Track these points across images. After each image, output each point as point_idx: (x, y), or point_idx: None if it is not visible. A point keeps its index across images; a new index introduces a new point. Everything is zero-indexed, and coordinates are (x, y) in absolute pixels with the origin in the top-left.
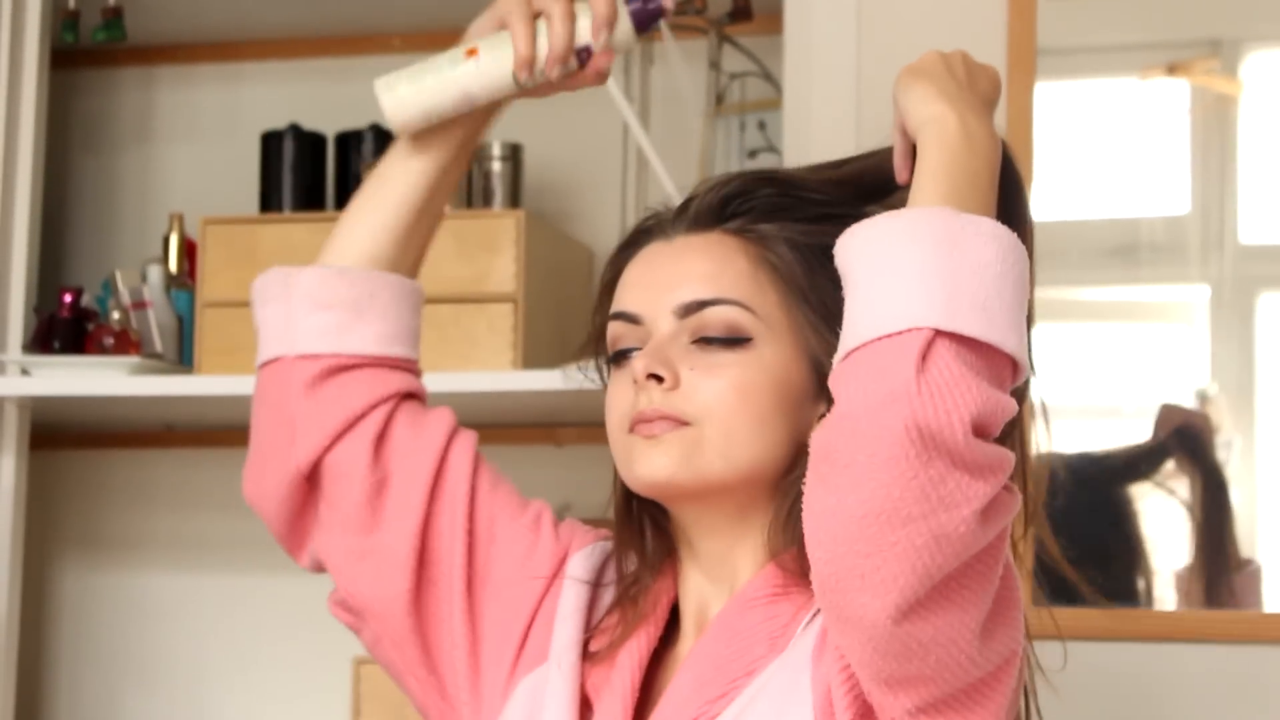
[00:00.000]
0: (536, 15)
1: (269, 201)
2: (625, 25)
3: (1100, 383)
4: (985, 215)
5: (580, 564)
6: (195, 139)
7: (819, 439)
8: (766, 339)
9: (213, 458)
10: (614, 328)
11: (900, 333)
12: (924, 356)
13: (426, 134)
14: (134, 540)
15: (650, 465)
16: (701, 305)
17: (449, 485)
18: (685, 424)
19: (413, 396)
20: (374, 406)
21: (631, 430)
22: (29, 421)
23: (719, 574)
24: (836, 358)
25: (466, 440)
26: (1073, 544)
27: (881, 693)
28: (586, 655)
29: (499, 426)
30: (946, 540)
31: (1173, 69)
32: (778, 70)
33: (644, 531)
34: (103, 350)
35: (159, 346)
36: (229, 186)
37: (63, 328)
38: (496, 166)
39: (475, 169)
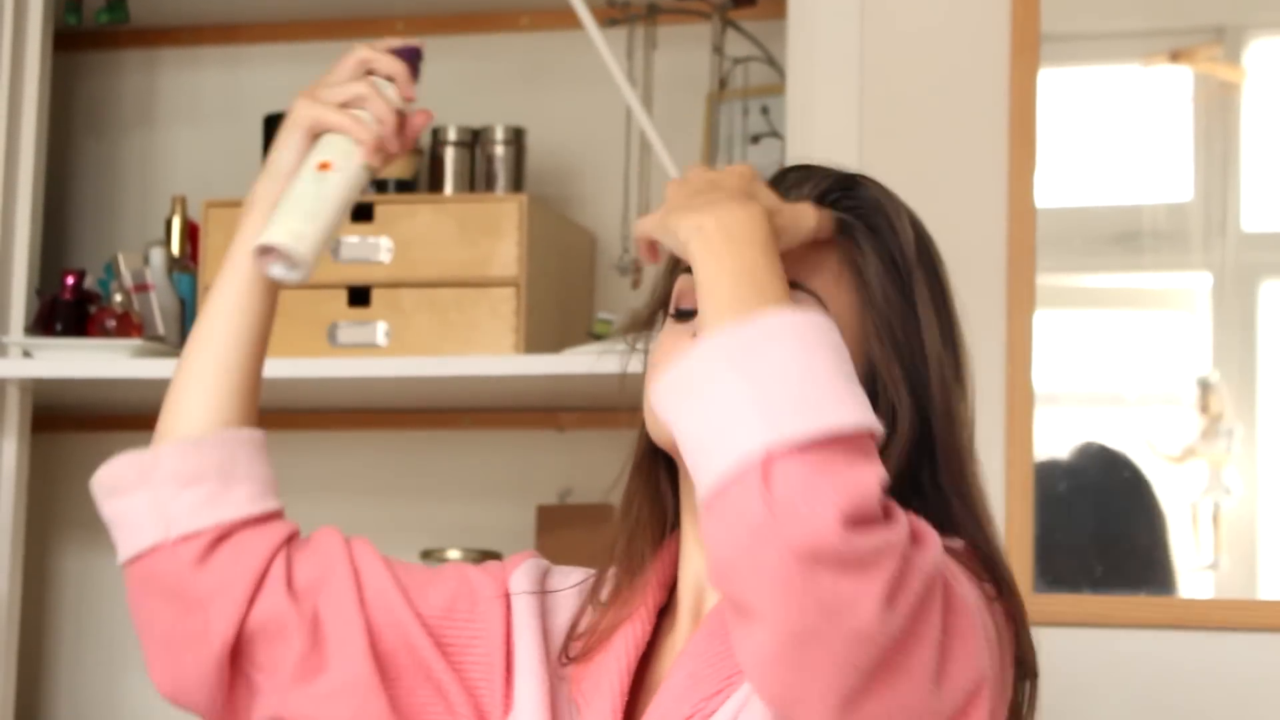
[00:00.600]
0: (344, 105)
1: None
2: (407, 74)
3: (1102, 370)
4: (777, 297)
5: (522, 580)
6: (198, 121)
7: (721, 593)
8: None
9: None
10: (684, 281)
11: (733, 471)
12: (766, 481)
13: (250, 284)
14: None
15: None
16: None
17: (373, 589)
18: None
19: (293, 536)
20: (272, 559)
21: None
22: (30, 404)
23: None
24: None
25: (362, 543)
26: (1075, 531)
27: None
28: (570, 660)
29: (500, 411)
30: (862, 639)
31: (1176, 56)
32: (781, 55)
33: (648, 502)
34: (105, 333)
35: (161, 329)
36: (231, 169)
37: (65, 310)
38: (499, 150)
39: (479, 153)
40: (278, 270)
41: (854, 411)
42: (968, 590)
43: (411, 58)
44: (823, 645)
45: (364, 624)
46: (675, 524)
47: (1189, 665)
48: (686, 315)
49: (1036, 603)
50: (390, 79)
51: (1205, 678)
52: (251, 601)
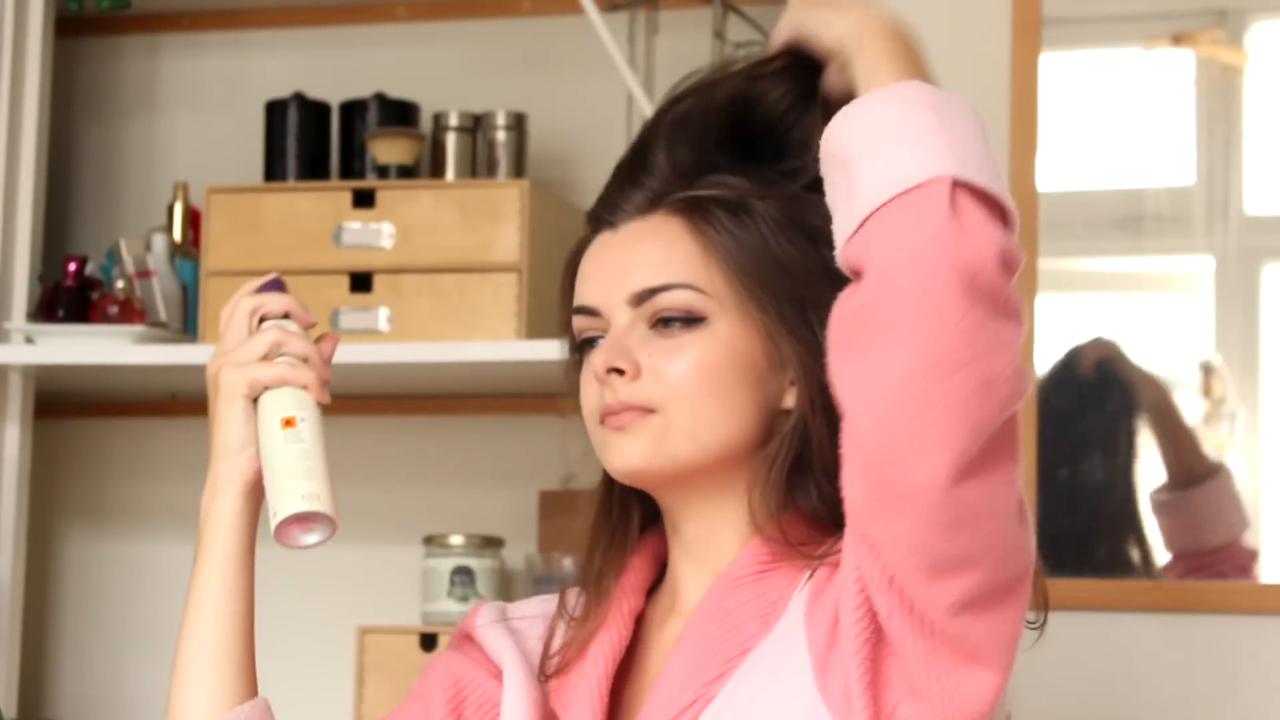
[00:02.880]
0: (268, 357)
1: (273, 170)
2: (299, 304)
3: None
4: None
5: (485, 616)
6: (200, 107)
7: (846, 312)
8: (720, 316)
9: None
10: (576, 321)
11: (923, 184)
12: (953, 200)
13: (240, 564)
14: (138, 509)
15: (622, 455)
16: (652, 292)
17: None
18: (651, 411)
19: None
20: None
21: (602, 422)
22: (33, 390)
23: (704, 556)
24: (845, 231)
25: None
26: (1076, 519)
27: (925, 585)
28: (548, 676)
29: (502, 396)
30: (993, 386)
31: (1178, 39)
32: None
33: (614, 523)
34: (107, 319)
35: (163, 315)
36: (233, 155)
37: (67, 296)
38: (501, 136)
39: (480, 138)
40: (306, 538)
41: (1007, 193)
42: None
43: (281, 288)
44: (959, 379)
45: None
46: (641, 532)
47: (1190, 649)
48: (590, 344)
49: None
50: (285, 315)
51: (1207, 662)
52: None
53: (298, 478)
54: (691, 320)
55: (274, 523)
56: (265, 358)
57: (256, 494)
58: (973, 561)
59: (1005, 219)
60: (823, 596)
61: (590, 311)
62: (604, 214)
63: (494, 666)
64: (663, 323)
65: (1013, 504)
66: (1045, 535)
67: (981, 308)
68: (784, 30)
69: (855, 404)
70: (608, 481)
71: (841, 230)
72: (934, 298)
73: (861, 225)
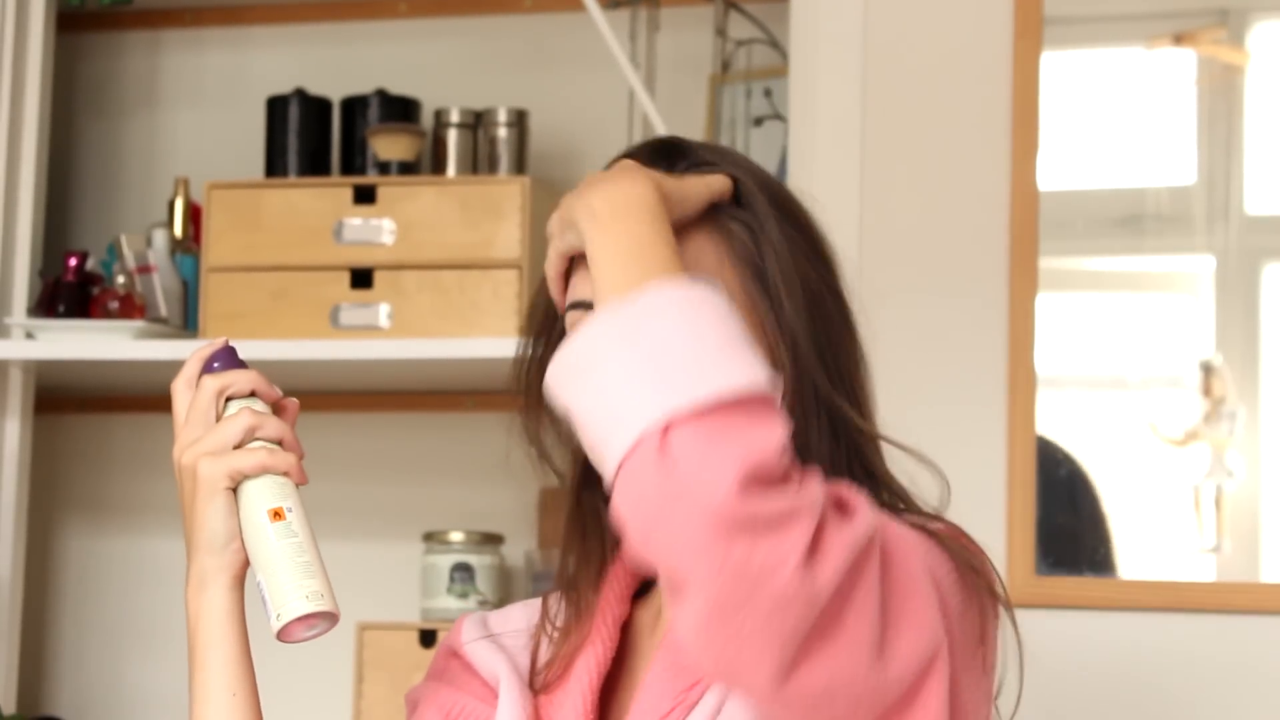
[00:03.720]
0: (242, 445)
1: (274, 166)
2: (263, 380)
3: (1104, 353)
4: (665, 268)
5: (471, 632)
6: (201, 103)
7: (644, 568)
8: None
9: None
10: (571, 316)
11: (631, 448)
12: (662, 451)
13: (239, 659)
14: (138, 504)
15: None
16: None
17: None
18: None
19: None
20: None
21: None
22: (33, 385)
23: None
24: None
25: None
26: (1077, 515)
27: None
28: (536, 691)
29: (503, 393)
30: (786, 604)
31: (1179, 39)
32: (784, 37)
33: (585, 533)
34: (107, 314)
35: (164, 311)
36: (234, 151)
37: (67, 291)
38: (502, 133)
39: (481, 135)
40: (308, 633)
41: (746, 373)
42: (914, 560)
43: (234, 358)
44: (747, 612)
45: None
46: (611, 557)
47: (1191, 648)
48: (582, 305)
49: (1038, 585)
50: (252, 393)
51: (1207, 661)
52: None
53: (299, 576)
54: None
55: (277, 625)
56: (240, 444)
57: (243, 583)
58: (847, 718)
59: (749, 407)
60: None
61: (588, 306)
62: None
63: (482, 686)
64: None
65: (864, 656)
66: (1045, 533)
67: (741, 540)
68: (550, 229)
69: (679, 632)
70: (575, 491)
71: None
72: (687, 554)
73: (608, 499)
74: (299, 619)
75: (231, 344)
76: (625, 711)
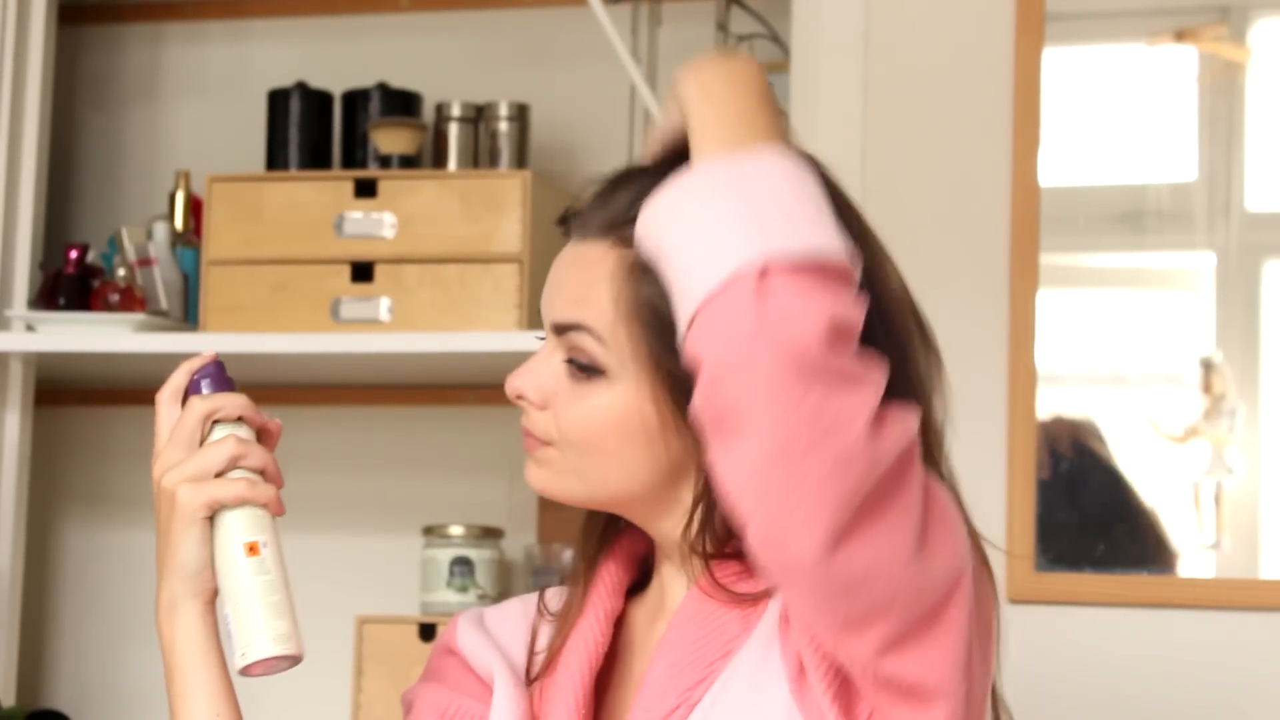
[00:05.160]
0: (224, 473)
1: (275, 159)
2: (251, 404)
3: (1106, 349)
4: (770, 134)
5: (467, 630)
6: (202, 96)
7: (699, 406)
8: (619, 373)
9: None
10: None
11: (727, 281)
12: (758, 293)
13: (220, 679)
14: (138, 497)
15: (529, 476)
16: (565, 329)
17: None
18: (548, 444)
19: None
20: None
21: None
22: (34, 378)
23: (681, 559)
24: (681, 331)
25: None
26: (1076, 510)
27: (844, 641)
28: (531, 680)
29: (503, 387)
30: (849, 461)
31: (1181, 35)
32: (785, 32)
33: (585, 526)
34: (108, 307)
35: (164, 304)
36: (235, 144)
37: (68, 284)
38: (503, 127)
39: (482, 129)
40: (268, 671)
41: (839, 242)
42: (947, 496)
43: (222, 375)
44: (812, 459)
45: None
46: (618, 531)
47: (1191, 644)
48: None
49: (1038, 581)
50: (239, 419)
51: (1207, 657)
52: None
53: (268, 616)
54: (592, 371)
55: (241, 662)
56: (222, 472)
57: (214, 608)
58: (879, 612)
59: (837, 274)
60: (792, 620)
61: (542, 323)
62: (571, 222)
63: (478, 683)
64: (571, 363)
65: (905, 548)
66: (1046, 529)
67: (818, 388)
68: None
69: (730, 490)
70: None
71: (677, 324)
72: (766, 391)
73: (689, 328)
74: (263, 660)
75: (219, 360)
76: (622, 707)
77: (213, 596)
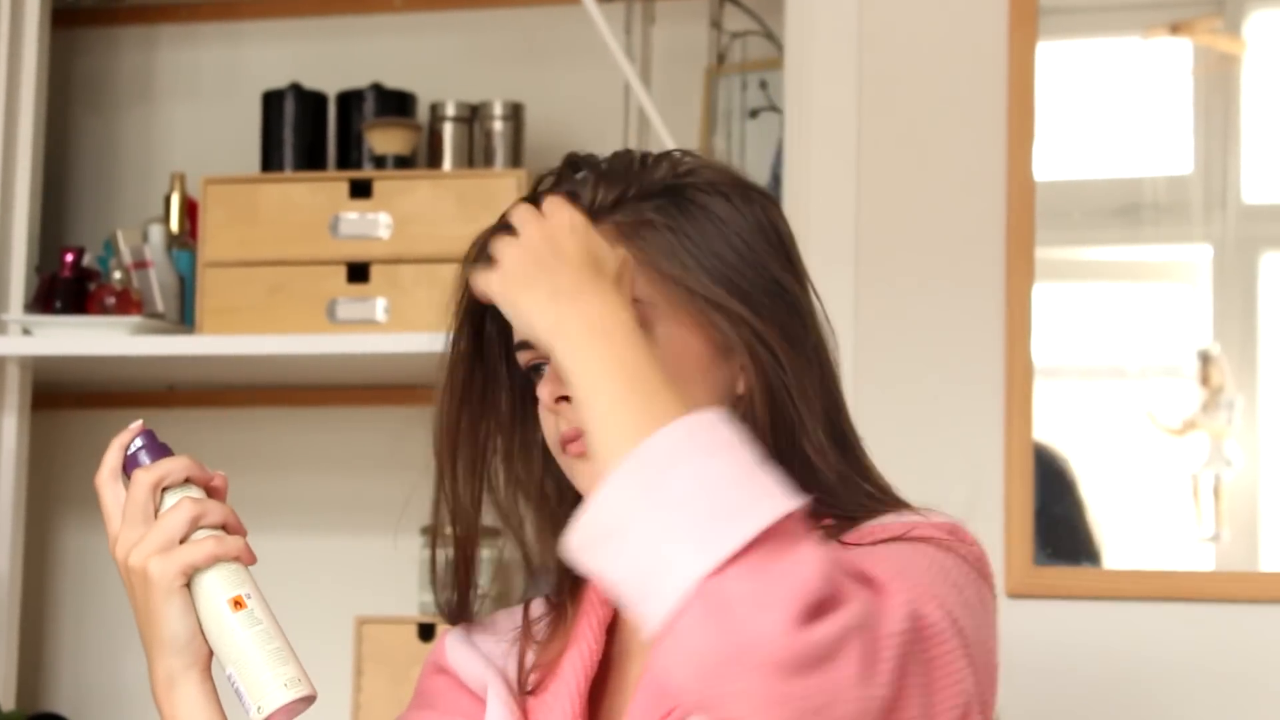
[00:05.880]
0: (187, 537)
1: (270, 161)
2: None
3: (1102, 343)
4: (660, 398)
5: (457, 646)
6: (196, 98)
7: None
8: (653, 321)
9: (214, 417)
10: (520, 355)
11: (676, 608)
12: (713, 607)
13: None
14: None
15: (590, 480)
16: None
17: None
18: None
19: None
20: None
21: (564, 450)
22: (30, 381)
23: None
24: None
25: None
26: (1075, 504)
27: None
28: (526, 693)
29: None
30: (850, 714)
31: (1176, 28)
32: (779, 29)
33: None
34: (104, 310)
35: (160, 306)
36: (230, 146)
37: (64, 287)
38: (498, 126)
39: (477, 129)
40: (288, 717)
41: (773, 502)
42: (940, 617)
43: (155, 442)
44: None
45: None
46: None
47: (1190, 638)
48: (537, 371)
49: (1037, 576)
50: (188, 480)
51: (1207, 650)
52: None
53: (274, 665)
54: None
55: (258, 717)
56: (185, 537)
57: (211, 672)
58: None
59: (788, 538)
60: None
61: (529, 345)
62: None
63: (470, 699)
64: None
65: None
66: (1043, 523)
67: (802, 679)
68: (489, 293)
69: None
70: (544, 495)
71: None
72: (756, 703)
73: (654, 645)
74: (281, 709)
75: (148, 429)
76: (617, 713)
77: (208, 662)
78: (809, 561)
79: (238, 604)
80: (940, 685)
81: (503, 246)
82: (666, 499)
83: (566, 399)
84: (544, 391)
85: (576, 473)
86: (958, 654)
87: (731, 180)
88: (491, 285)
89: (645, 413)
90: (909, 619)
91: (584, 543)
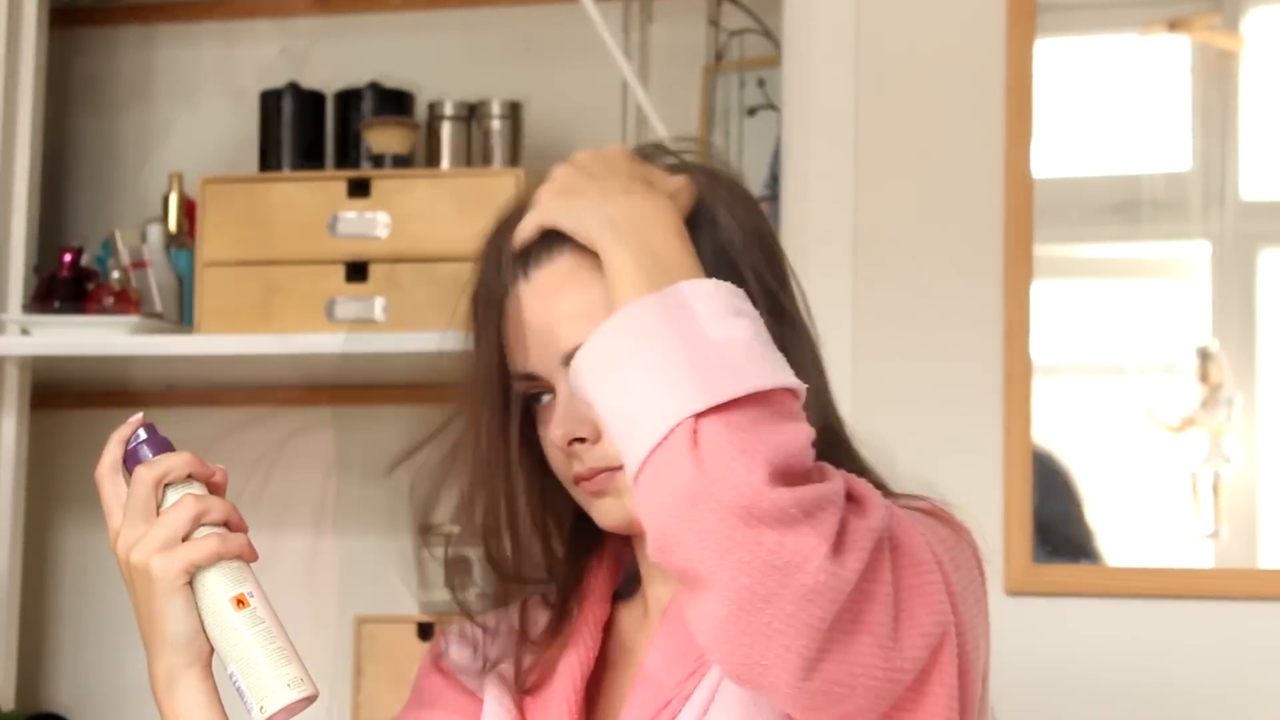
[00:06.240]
0: (189, 535)
1: (268, 160)
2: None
3: (1101, 340)
4: (687, 273)
5: (451, 642)
6: (195, 98)
7: (654, 555)
8: None
9: (213, 417)
10: (517, 385)
11: (660, 439)
12: (694, 445)
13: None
14: None
15: (610, 516)
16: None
17: None
18: (619, 467)
19: None
20: None
21: (577, 484)
22: (29, 381)
23: None
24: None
25: None
26: (1074, 501)
27: None
28: (524, 693)
29: None
30: (814, 595)
31: (1174, 25)
32: (777, 27)
33: (555, 536)
34: (103, 310)
35: (159, 306)
36: (228, 145)
37: (63, 287)
38: (496, 125)
39: (475, 127)
40: (289, 716)
41: (774, 372)
42: (920, 544)
43: (156, 436)
44: (775, 605)
45: None
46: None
47: (1190, 635)
48: (536, 400)
49: (1036, 573)
50: (189, 476)
51: (1206, 647)
52: None
53: (276, 664)
54: None
55: (261, 716)
56: (187, 535)
57: (212, 670)
58: (863, 709)
59: (778, 406)
60: None
61: (532, 377)
62: (514, 268)
63: (467, 699)
64: None
65: (882, 647)
66: (1042, 521)
67: (769, 534)
68: (534, 220)
69: (699, 640)
70: (535, 500)
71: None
72: (715, 550)
73: (634, 486)
74: (283, 709)
75: (149, 422)
76: (613, 712)
77: (209, 660)
78: (797, 432)
79: (240, 603)
80: (915, 608)
81: (554, 169)
82: (669, 338)
83: (582, 440)
84: (557, 433)
85: (595, 510)
86: (935, 584)
87: (727, 184)
88: (542, 195)
89: (668, 281)
90: (882, 530)
91: (585, 370)
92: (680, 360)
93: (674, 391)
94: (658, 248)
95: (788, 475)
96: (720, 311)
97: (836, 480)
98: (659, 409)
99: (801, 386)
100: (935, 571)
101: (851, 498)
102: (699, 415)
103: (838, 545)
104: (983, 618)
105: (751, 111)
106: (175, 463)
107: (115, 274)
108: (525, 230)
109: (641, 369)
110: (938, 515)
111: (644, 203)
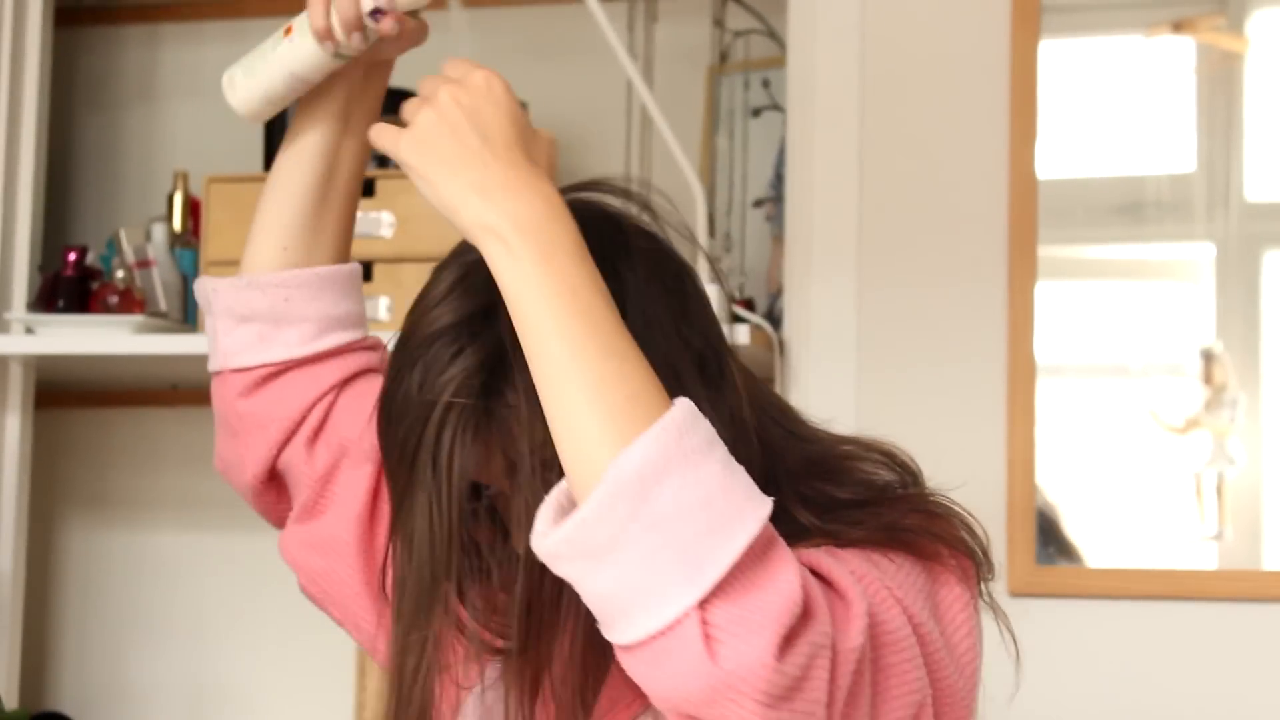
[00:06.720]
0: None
1: (273, 159)
2: None
3: (1105, 341)
4: (622, 345)
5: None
6: (199, 97)
7: None
8: None
9: None
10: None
11: (666, 626)
12: (707, 637)
13: (304, 119)
14: (139, 499)
15: None
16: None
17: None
18: None
19: (365, 373)
20: (314, 404)
21: None
22: (34, 380)
23: None
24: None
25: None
26: (1078, 503)
27: None
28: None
29: None
30: None
31: (1178, 26)
32: (782, 27)
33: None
34: (107, 309)
35: (163, 305)
36: (233, 144)
37: (67, 286)
38: None
39: None
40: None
41: (753, 513)
42: (896, 620)
43: None
44: None
45: (369, 490)
46: None
47: (1193, 636)
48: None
49: (1039, 574)
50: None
51: (1209, 648)
52: (282, 446)
53: (242, 67)
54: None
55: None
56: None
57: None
58: None
59: (763, 547)
60: None
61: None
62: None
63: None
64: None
65: None
66: (1045, 523)
67: (784, 707)
68: (394, 152)
69: None
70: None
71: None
72: None
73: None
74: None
75: None
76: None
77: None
78: (785, 580)
79: (287, 31)
80: (892, 692)
81: (413, 107)
82: (656, 518)
83: None
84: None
85: None
86: (912, 660)
87: (642, 250)
88: (400, 148)
89: (626, 402)
90: (866, 632)
91: (566, 553)
92: (667, 542)
93: (670, 580)
94: (571, 285)
95: (791, 637)
96: (690, 455)
97: (822, 614)
98: (659, 596)
99: (767, 508)
100: (912, 648)
101: (837, 605)
102: (703, 601)
103: (831, 684)
104: (971, 654)
105: (756, 112)
106: None
107: (120, 273)
108: (383, 150)
109: (631, 557)
110: (920, 551)
111: (531, 204)
